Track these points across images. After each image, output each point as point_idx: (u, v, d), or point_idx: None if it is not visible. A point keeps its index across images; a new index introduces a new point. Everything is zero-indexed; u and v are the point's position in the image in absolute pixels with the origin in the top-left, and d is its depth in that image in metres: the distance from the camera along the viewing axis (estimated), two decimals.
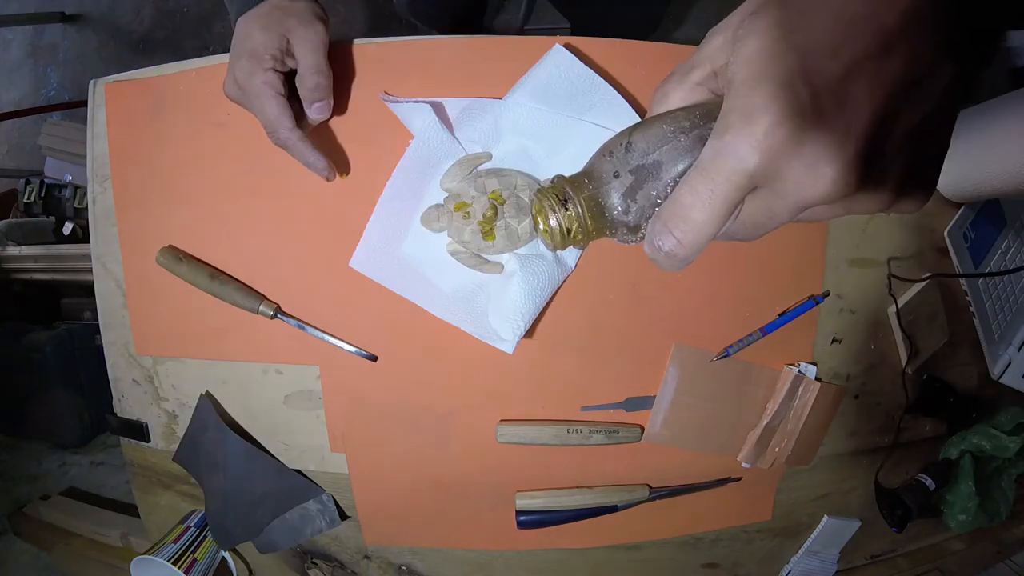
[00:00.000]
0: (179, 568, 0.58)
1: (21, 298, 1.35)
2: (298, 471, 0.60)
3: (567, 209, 0.23)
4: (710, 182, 0.18)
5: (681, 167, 0.21)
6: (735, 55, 0.18)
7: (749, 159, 0.17)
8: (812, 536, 0.68)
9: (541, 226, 0.24)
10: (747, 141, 0.17)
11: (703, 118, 0.21)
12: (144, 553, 0.59)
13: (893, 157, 0.18)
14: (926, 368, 0.65)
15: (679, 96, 0.23)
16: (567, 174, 0.24)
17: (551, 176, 0.25)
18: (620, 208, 0.22)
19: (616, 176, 0.22)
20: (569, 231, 0.24)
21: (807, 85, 0.17)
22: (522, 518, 0.59)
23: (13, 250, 1.23)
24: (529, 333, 0.54)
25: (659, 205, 0.21)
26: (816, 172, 0.17)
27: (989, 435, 0.65)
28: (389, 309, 0.55)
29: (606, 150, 0.23)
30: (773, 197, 0.19)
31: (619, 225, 0.23)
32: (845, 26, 0.17)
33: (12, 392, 1.22)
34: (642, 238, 0.23)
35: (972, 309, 0.65)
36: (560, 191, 0.24)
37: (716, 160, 0.18)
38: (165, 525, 0.65)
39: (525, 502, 0.59)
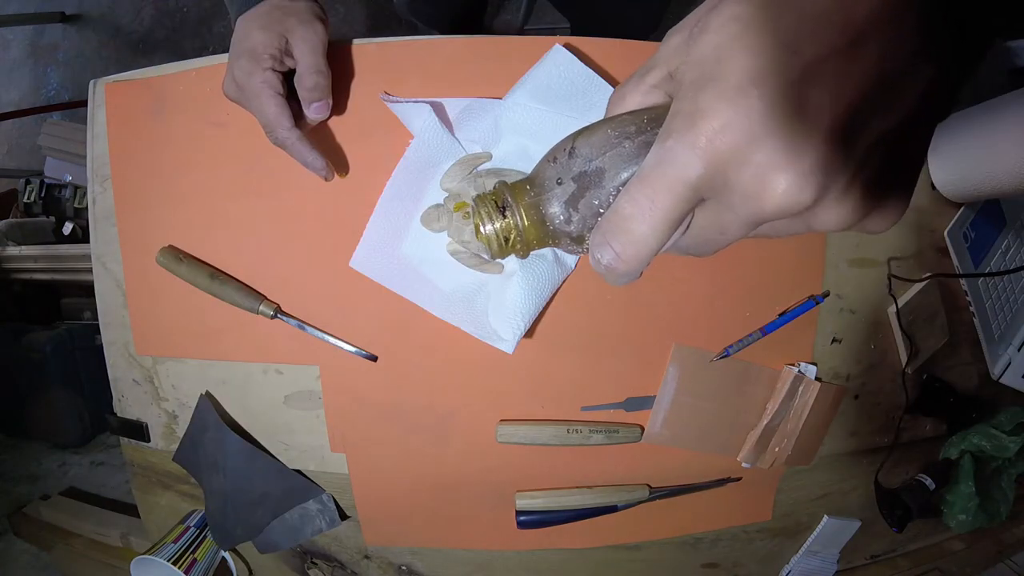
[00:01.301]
0: (179, 568, 0.58)
1: (21, 298, 1.35)
2: (298, 471, 0.60)
3: (505, 217, 0.22)
4: (651, 192, 0.17)
5: (625, 175, 0.19)
6: (688, 55, 0.17)
7: (692, 167, 0.16)
8: (812, 536, 0.68)
9: (482, 232, 0.23)
10: (689, 147, 0.16)
11: (651, 123, 0.20)
12: (144, 553, 0.59)
13: (860, 168, 0.16)
14: (926, 368, 0.65)
15: (634, 100, 0.21)
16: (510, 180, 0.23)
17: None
18: (562, 217, 0.21)
19: (559, 183, 0.21)
20: (507, 240, 0.22)
21: (760, 86, 0.15)
22: (522, 518, 0.59)
23: (13, 250, 1.23)
24: (529, 333, 0.54)
25: (602, 215, 0.20)
26: (767, 183, 0.15)
27: (989, 435, 0.65)
28: (389, 309, 0.55)
29: (551, 155, 0.22)
30: (723, 210, 0.17)
31: (561, 235, 0.21)
32: (809, 20, 0.15)
33: (12, 392, 1.22)
34: (587, 249, 0.21)
35: (972, 309, 0.65)
36: (500, 197, 0.22)
37: (657, 168, 0.17)
38: (165, 525, 0.65)
39: (525, 502, 0.59)
